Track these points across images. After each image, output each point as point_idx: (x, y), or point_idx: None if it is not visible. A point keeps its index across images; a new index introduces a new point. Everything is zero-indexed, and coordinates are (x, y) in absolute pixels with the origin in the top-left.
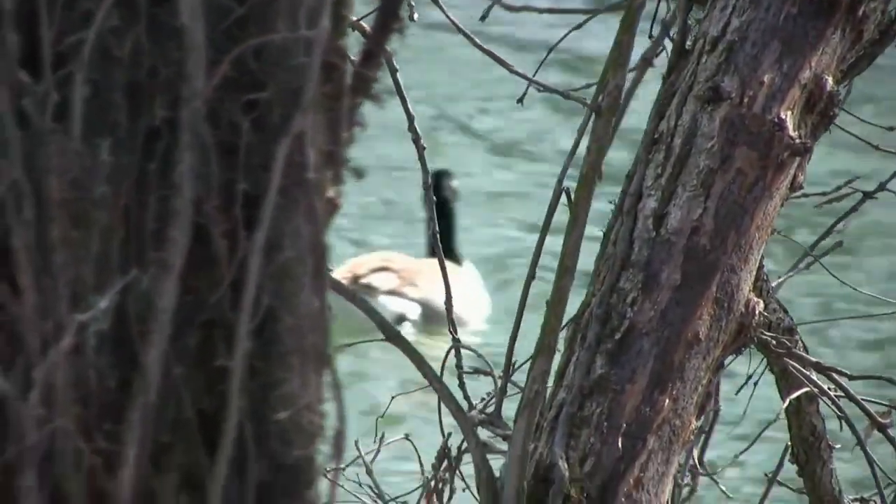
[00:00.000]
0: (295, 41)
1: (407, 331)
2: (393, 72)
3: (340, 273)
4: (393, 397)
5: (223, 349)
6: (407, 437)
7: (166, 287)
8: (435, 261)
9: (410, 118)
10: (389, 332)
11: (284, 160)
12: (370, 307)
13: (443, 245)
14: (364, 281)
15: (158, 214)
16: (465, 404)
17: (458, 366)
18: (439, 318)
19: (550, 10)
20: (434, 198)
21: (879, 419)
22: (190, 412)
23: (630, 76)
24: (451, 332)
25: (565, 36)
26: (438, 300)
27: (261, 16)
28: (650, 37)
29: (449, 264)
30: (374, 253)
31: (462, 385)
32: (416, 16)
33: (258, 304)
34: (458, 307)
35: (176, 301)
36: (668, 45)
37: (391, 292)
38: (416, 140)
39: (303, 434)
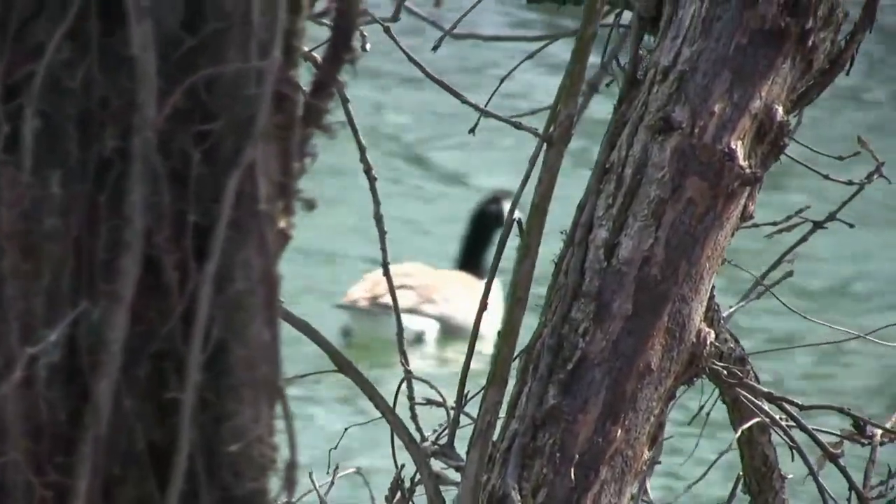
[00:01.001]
0: (246, 72)
1: (427, 348)
2: (344, 102)
3: (360, 290)
4: (346, 429)
5: (174, 381)
6: (358, 470)
7: (117, 319)
8: (454, 272)
9: (362, 149)
10: (341, 362)
11: (235, 191)
12: (322, 338)
13: (474, 259)
14: (382, 301)
15: (109, 245)
16: (419, 435)
17: (410, 397)
18: (459, 333)
19: (496, 38)
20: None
21: (831, 449)
22: (141, 444)
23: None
24: (402, 364)
25: (518, 65)
26: (456, 315)
27: (212, 46)
28: (601, 67)
29: (470, 277)
30: (394, 266)
31: (414, 416)
32: (368, 46)
33: (209, 335)
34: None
35: (126, 333)
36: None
37: (409, 311)
38: (367, 171)
39: (254, 466)
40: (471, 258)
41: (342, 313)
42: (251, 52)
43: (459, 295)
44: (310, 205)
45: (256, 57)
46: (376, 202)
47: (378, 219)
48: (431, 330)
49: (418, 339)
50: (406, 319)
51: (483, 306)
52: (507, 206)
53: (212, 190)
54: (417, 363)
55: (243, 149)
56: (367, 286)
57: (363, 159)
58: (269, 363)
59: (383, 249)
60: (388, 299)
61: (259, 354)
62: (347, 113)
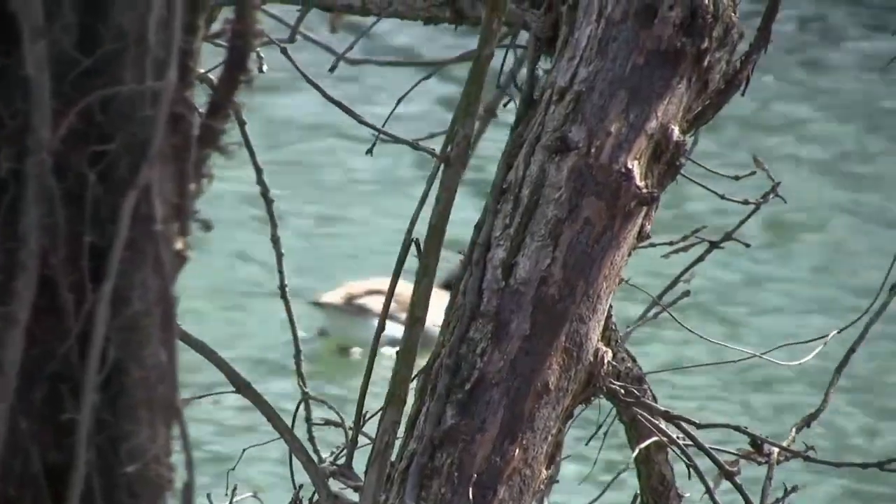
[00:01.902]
0: (142, 93)
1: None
2: (241, 124)
3: (336, 294)
4: (244, 449)
5: (70, 402)
6: (255, 494)
7: (12, 340)
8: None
9: (258, 171)
10: (239, 383)
11: (131, 212)
12: (219, 358)
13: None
14: (358, 302)
15: (4, 267)
16: (317, 457)
17: (308, 418)
18: (432, 343)
19: (392, 63)
20: None
21: (728, 468)
22: (37, 466)
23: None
24: (300, 386)
25: (414, 87)
26: (431, 326)
27: (107, 67)
28: (498, 87)
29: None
30: (376, 278)
31: (311, 438)
32: (265, 67)
33: (105, 356)
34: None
35: (22, 354)
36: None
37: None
38: (264, 194)
39: (151, 487)
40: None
41: (319, 315)
42: (146, 72)
43: (436, 306)
44: (206, 226)
45: (152, 78)
46: (273, 224)
47: (275, 241)
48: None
49: (393, 344)
50: (390, 327)
51: (381, 326)
52: None
53: (108, 211)
54: (385, 371)
55: (139, 170)
56: (343, 290)
57: (260, 181)
58: (166, 384)
59: (280, 272)
60: (363, 301)
61: (156, 375)
62: (244, 134)
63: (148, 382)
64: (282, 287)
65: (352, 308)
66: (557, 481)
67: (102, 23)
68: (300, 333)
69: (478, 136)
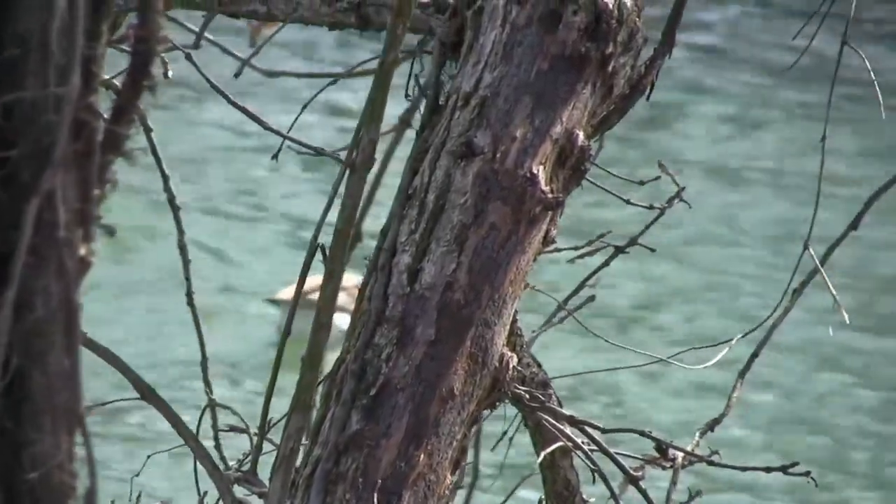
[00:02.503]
0: (44, 99)
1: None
2: (147, 130)
3: (288, 291)
4: (149, 456)
5: None
6: (162, 503)
7: None
8: None
9: (165, 178)
10: (143, 390)
11: (34, 218)
12: (123, 364)
13: None
14: (312, 297)
15: None
16: (223, 464)
17: (214, 425)
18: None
19: (309, 75)
20: None
21: (633, 472)
22: None
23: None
24: (206, 393)
25: (317, 94)
26: None
27: (10, 73)
28: (406, 95)
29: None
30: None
31: (217, 445)
32: (170, 73)
33: (8, 362)
34: None
35: None
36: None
37: (340, 309)
38: (170, 200)
39: (54, 494)
40: None
41: (274, 312)
42: (49, 78)
43: None
44: (110, 231)
45: (55, 83)
46: (180, 231)
47: (182, 247)
48: None
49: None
50: (337, 318)
51: (286, 332)
52: None
53: (10, 217)
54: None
55: (42, 176)
56: (293, 286)
57: (167, 188)
58: (70, 390)
59: (187, 279)
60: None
61: (59, 382)
62: (150, 140)
63: (51, 389)
64: (189, 294)
65: (305, 303)
66: (462, 486)
67: (4, 29)
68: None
69: (394, 145)
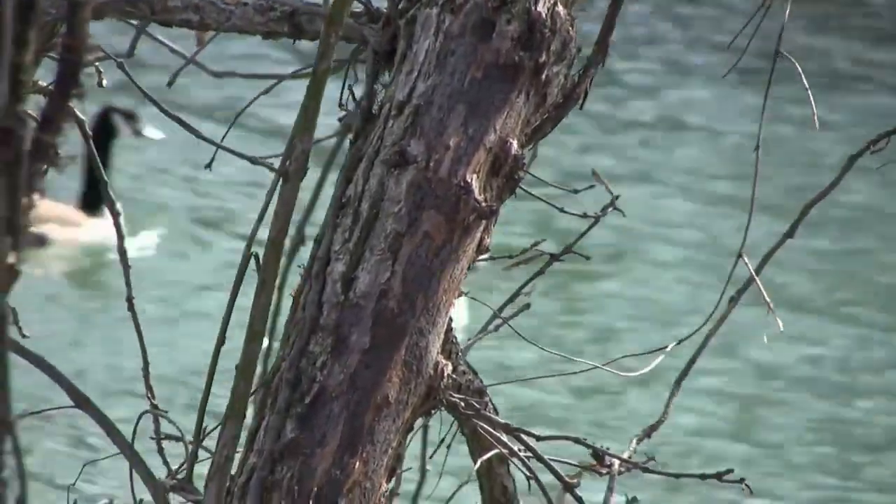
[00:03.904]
0: None
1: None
2: (86, 137)
3: None
4: (85, 464)
5: None
6: None
7: None
8: (49, 204)
9: (104, 183)
10: (79, 398)
11: None
12: (58, 373)
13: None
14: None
15: None
16: (166, 470)
17: (157, 432)
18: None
19: (252, 76)
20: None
21: (568, 479)
22: None
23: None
24: (148, 398)
25: (252, 102)
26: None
27: None
28: (340, 105)
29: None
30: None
31: (161, 450)
32: (105, 82)
33: None
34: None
35: None
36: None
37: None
38: (110, 206)
39: None
40: (89, 193)
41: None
42: None
43: (39, 216)
44: (40, 240)
45: None
46: (120, 236)
47: (122, 253)
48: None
49: (41, 241)
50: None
51: (220, 341)
52: (117, 118)
53: None
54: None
55: None
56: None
57: (105, 195)
58: None
59: (128, 285)
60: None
61: None
62: (89, 146)
63: None
64: (129, 299)
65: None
66: (398, 494)
67: None
68: None
69: (333, 154)
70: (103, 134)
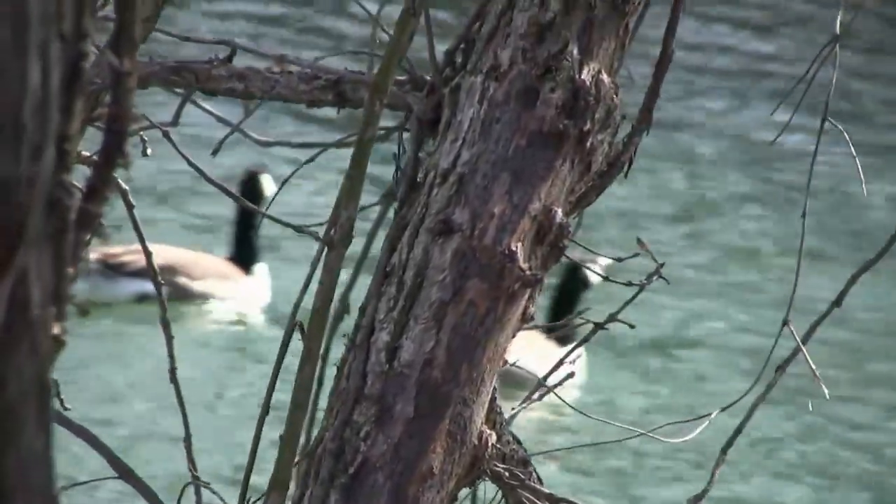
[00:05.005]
0: (17, 177)
1: (152, 306)
2: (129, 207)
3: (92, 255)
4: None
5: None
6: None
7: None
8: (214, 257)
9: (148, 254)
10: (122, 469)
11: (8, 297)
12: (100, 443)
13: (244, 249)
14: (114, 261)
15: None
16: None
17: (198, 503)
18: (189, 297)
19: (300, 145)
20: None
21: None
22: None
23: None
24: (190, 471)
25: (297, 170)
26: (192, 284)
27: None
28: (398, 170)
29: (231, 266)
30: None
31: None
32: (149, 151)
33: None
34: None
35: None
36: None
37: (141, 271)
38: (154, 279)
39: None
40: (241, 247)
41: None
42: (22, 156)
43: (202, 268)
44: (83, 311)
45: (28, 161)
46: (162, 308)
47: (165, 324)
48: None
49: (142, 298)
50: (134, 282)
51: (266, 410)
52: (263, 178)
53: None
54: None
55: (15, 254)
56: (101, 250)
57: (149, 264)
58: (42, 469)
59: (171, 356)
60: (122, 259)
61: (31, 461)
62: (132, 218)
63: (24, 469)
64: (172, 370)
65: (104, 268)
66: None
67: None
68: None
69: (380, 219)
70: (251, 194)
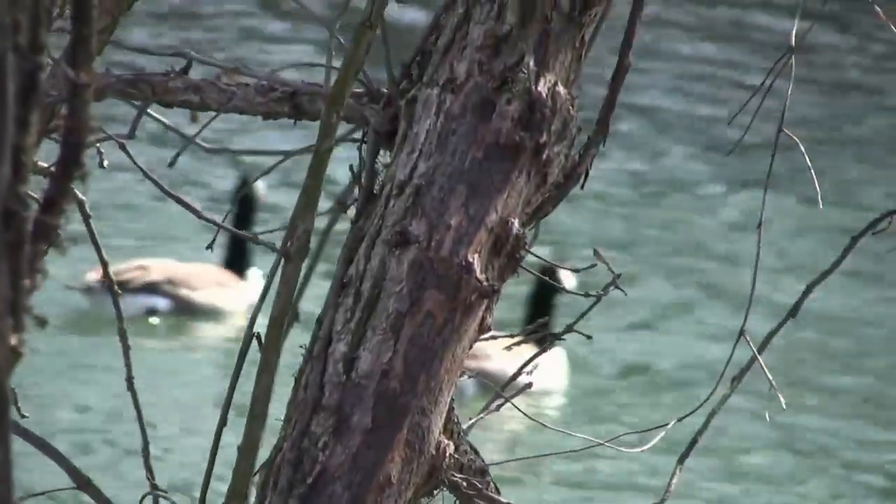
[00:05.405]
0: None
1: (157, 323)
2: (86, 218)
3: (95, 274)
4: None
5: None
6: None
7: None
8: (208, 266)
9: (104, 264)
10: (80, 480)
11: None
12: (59, 454)
13: (237, 257)
14: (119, 278)
15: None
16: None
17: None
18: (193, 312)
19: (251, 152)
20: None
21: None
22: None
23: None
24: (148, 479)
25: (255, 180)
26: (194, 296)
27: None
28: (353, 179)
29: (226, 273)
30: (140, 260)
31: None
32: (105, 162)
33: None
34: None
35: None
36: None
37: (144, 288)
38: (110, 286)
39: None
40: (233, 253)
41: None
42: None
43: (201, 279)
44: (41, 321)
45: None
46: (119, 318)
47: (122, 334)
48: (162, 305)
49: (150, 313)
50: (139, 297)
51: (223, 420)
52: (256, 184)
53: None
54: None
55: None
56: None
57: (106, 274)
58: (2, 481)
59: (127, 365)
60: (125, 276)
61: None
62: (89, 228)
63: None
64: (128, 379)
65: (102, 287)
66: None
67: None
68: None
69: (328, 229)
70: (244, 200)
